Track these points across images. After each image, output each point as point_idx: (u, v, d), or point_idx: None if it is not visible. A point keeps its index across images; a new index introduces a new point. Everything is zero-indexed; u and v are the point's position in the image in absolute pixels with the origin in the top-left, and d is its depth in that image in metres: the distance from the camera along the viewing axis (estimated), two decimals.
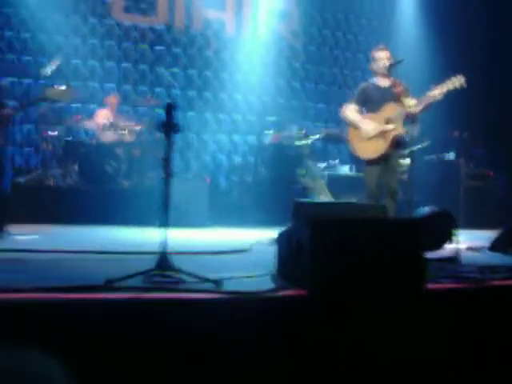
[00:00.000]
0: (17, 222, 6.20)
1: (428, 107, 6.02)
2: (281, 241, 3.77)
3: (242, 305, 3.17)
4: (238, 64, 10.75)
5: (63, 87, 6.37)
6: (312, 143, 8.73)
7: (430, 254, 3.86)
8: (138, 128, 8.96)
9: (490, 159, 10.75)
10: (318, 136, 8.83)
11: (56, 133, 8.81)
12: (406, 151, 6.40)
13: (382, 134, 6.10)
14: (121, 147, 8.71)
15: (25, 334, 2.93)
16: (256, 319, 3.08)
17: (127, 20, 10.50)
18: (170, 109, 3.33)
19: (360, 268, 3.23)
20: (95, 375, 2.83)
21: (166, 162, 3.31)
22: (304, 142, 8.49)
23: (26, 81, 9.81)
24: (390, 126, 6.08)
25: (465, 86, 5.85)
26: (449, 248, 4.84)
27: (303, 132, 9.01)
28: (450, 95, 5.99)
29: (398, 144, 6.16)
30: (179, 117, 3.38)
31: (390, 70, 6.16)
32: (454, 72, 6.00)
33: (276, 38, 11.22)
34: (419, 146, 8.67)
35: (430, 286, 3.47)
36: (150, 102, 9.52)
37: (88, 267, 4.24)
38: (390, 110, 6.10)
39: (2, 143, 6.08)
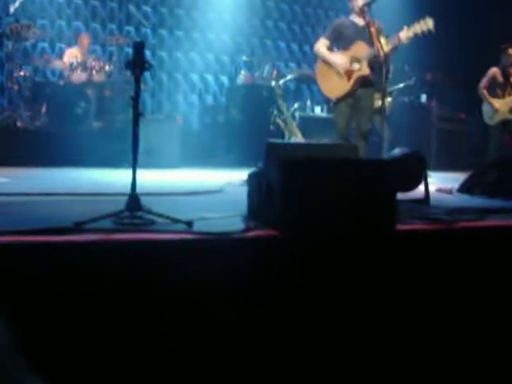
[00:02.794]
0: None
1: (395, 49, 5.97)
2: (252, 182, 3.76)
3: (213, 245, 3.17)
4: (211, 2, 10.50)
5: (28, 24, 6.18)
6: (284, 84, 8.64)
7: (400, 196, 3.87)
8: (107, 68, 8.76)
9: (466, 103, 10.76)
10: (290, 76, 8.74)
11: (23, 73, 8.58)
12: (388, 91, 6.37)
13: (347, 72, 6.07)
14: (90, 87, 8.53)
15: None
16: (227, 260, 3.08)
17: None
18: (139, 47, 3.24)
19: (331, 209, 3.23)
20: (65, 319, 2.82)
21: (135, 101, 3.23)
22: (276, 82, 8.40)
23: None
24: (356, 66, 6.06)
25: (433, 30, 5.77)
26: (419, 190, 4.88)
27: (276, 72, 8.90)
28: (428, 36, 5.91)
29: (362, 84, 6.12)
30: (149, 55, 3.28)
31: (366, 10, 6.06)
32: (427, 14, 5.92)
33: None
34: (403, 84, 8.64)
35: (401, 227, 3.49)
36: (120, 41, 9.29)
37: (57, 210, 4.19)
38: (359, 48, 6.06)
39: None
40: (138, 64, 3.24)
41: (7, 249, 3.12)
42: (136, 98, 3.24)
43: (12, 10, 8.19)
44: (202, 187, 5.33)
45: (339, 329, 3.22)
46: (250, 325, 3.07)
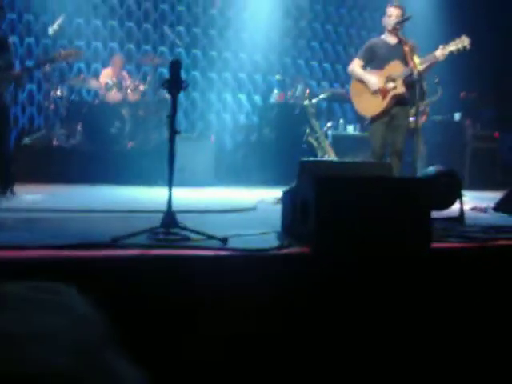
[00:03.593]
0: (21, 181, 6.21)
1: (430, 67, 5.99)
2: (286, 199, 3.78)
3: (247, 262, 3.19)
4: (244, 22, 10.61)
5: (73, 49, 6.32)
6: (317, 103, 8.67)
7: (435, 214, 3.85)
8: (141, 87, 8.90)
9: (498, 121, 10.66)
10: (323, 95, 8.76)
11: (59, 92, 8.76)
12: (417, 109, 6.36)
13: (382, 91, 6.09)
14: (125, 107, 8.66)
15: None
16: (262, 276, 3.10)
17: None
18: (175, 66, 3.29)
19: (364, 227, 3.23)
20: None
21: (172, 120, 3.29)
22: (309, 101, 8.43)
23: (28, 40, 9.73)
24: (391, 85, 6.07)
25: (468, 47, 5.77)
26: (454, 208, 4.84)
27: (308, 91, 8.94)
28: (460, 55, 5.92)
29: (397, 102, 6.14)
30: (184, 75, 3.34)
31: (398, 28, 6.09)
32: (463, 32, 5.92)
33: None
34: (430, 100, 8.60)
35: (435, 245, 3.47)
36: (154, 61, 9.44)
37: (93, 226, 4.25)
38: (393, 67, 6.08)
39: (10, 104, 6.04)
40: (174, 83, 3.29)
41: (45, 263, 3.18)
42: (172, 117, 3.29)
43: (51, 32, 8.39)
44: (235, 205, 5.36)
45: (372, 346, 3.21)
46: (283, 340, 3.08)
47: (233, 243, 3.37)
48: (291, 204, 3.58)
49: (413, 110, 6.19)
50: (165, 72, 9.80)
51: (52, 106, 8.71)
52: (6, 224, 4.57)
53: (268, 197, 5.77)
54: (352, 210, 3.22)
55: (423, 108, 8.31)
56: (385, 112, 6.13)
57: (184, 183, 6.22)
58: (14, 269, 3.16)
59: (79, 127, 8.58)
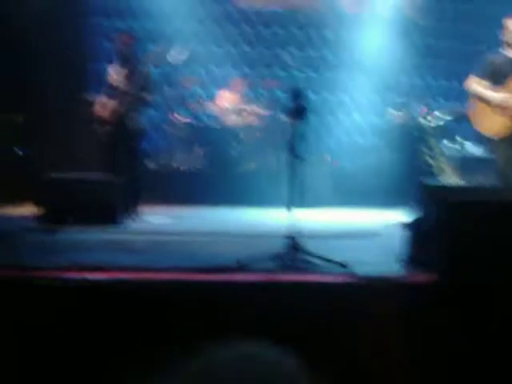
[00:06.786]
0: (145, 204, 6.48)
1: None
2: (410, 225, 3.72)
3: (373, 289, 3.18)
4: (358, 43, 10.58)
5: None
6: (435, 121, 8.49)
7: None
8: (260, 111, 9.07)
9: None
10: (444, 115, 8.57)
11: (180, 117, 9.09)
12: None
13: (507, 109, 5.83)
14: (243, 130, 8.86)
15: (162, 313, 3.10)
16: (387, 304, 3.07)
17: (245, 3, 10.59)
18: (296, 93, 3.36)
19: (494, 253, 3.13)
20: None
21: (292, 146, 3.35)
22: (427, 120, 8.27)
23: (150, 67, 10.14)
24: None
25: None
26: None
27: (426, 110, 8.77)
28: None
29: None
30: (306, 101, 3.39)
31: None
32: None
33: (398, 14, 10.92)
34: None
35: None
36: (271, 85, 9.58)
37: (219, 249, 4.38)
38: None
39: (141, 127, 6.33)
40: (296, 110, 3.36)
41: (172, 286, 3.31)
42: (294, 143, 3.35)
43: (171, 59, 8.76)
44: (357, 229, 5.34)
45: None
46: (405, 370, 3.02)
47: (357, 270, 3.37)
48: (416, 229, 3.54)
49: None
50: (281, 95, 9.93)
51: (173, 130, 9.06)
52: (136, 246, 4.81)
53: (390, 221, 5.70)
54: (480, 236, 3.14)
55: None
56: (510, 132, 5.87)
57: (304, 205, 6.26)
58: (143, 290, 3.33)
59: (200, 150, 8.85)
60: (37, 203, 5.55)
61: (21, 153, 5.52)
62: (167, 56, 8.73)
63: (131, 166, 6.14)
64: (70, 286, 3.15)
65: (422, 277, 3.22)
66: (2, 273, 3.28)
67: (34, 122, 6.62)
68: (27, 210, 5.84)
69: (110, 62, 6.68)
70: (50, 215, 5.34)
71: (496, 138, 5.98)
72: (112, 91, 6.21)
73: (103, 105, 6.17)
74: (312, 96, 10.32)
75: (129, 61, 6.25)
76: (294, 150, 3.50)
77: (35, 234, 4.92)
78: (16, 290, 3.10)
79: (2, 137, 6.51)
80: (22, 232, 4.95)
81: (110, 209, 5.55)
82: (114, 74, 6.29)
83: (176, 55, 8.59)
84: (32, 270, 3.33)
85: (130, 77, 6.16)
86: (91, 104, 6.39)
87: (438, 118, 8.41)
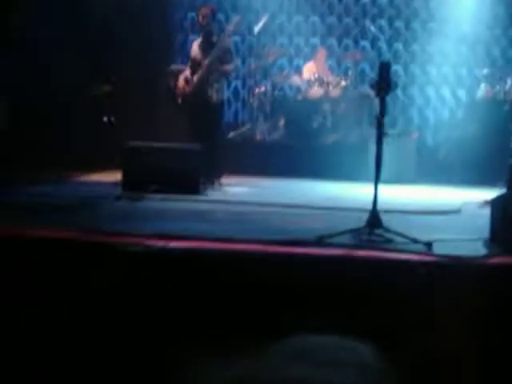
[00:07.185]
0: (226, 174, 6.55)
1: None
2: (496, 206, 3.60)
3: (453, 269, 3.11)
4: (448, 13, 10.21)
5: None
6: None
7: None
8: (343, 83, 8.94)
9: None
10: None
11: (263, 88, 9.08)
12: None
13: None
14: (326, 102, 8.76)
15: (238, 284, 3.13)
16: (468, 286, 2.99)
17: None
18: (384, 67, 3.29)
19: None
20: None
21: (379, 121, 3.29)
22: None
23: (234, 38, 10.15)
24: None
25: None
26: None
27: None
28: None
29: None
30: (394, 75, 3.31)
31: None
32: None
33: None
34: None
35: None
36: (355, 56, 9.41)
37: (298, 222, 4.39)
38: None
39: (221, 98, 6.40)
40: (383, 85, 3.29)
41: (252, 257, 3.34)
42: (381, 118, 3.29)
43: (256, 30, 8.73)
44: (439, 206, 5.22)
45: None
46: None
47: (437, 248, 3.30)
48: (502, 211, 3.42)
49: None
50: (366, 67, 9.75)
51: (256, 102, 9.07)
52: (216, 216, 4.88)
53: (472, 198, 5.54)
54: None
55: None
56: None
57: (385, 180, 6.14)
58: (221, 260, 3.37)
59: (282, 122, 8.83)
60: (120, 171, 5.70)
61: (106, 120, 5.68)
62: (253, 26, 8.74)
63: (212, 136, 6.21)
64: (150, 252, 3.23)
65: (505, 259, 3.12)
66: (86, 237, 3.41)
67: (120, 92, 6.78)
68: (112, 177, 6.02)
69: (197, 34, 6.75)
70: (132, 183, 5.48)
71: None
72: (193, 64, 6.28)
73: (185, 77, 6.26)
74: (398, 69, 10.09)
75: (208, 33, 6.27)
76: (381, 125, 3.43)
77: (118, 200, 5.08)
78: (98, 255, 3.21)
79: (92, 105, 6.71)
80: (105, 198, 5.11)
81: (191, 178, 5.65)
82: (196, 46, 6.35)
83: (259, 25, 8.59)
84: (114, 235, 3.43)
85: (209, 49, 6.19)
86: (175, 75, 6.49)
87: None
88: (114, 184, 5.65)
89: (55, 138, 7.33)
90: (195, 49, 6.34)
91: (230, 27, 6.48)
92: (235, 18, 6.93)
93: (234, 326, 2.99)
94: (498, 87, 8.74)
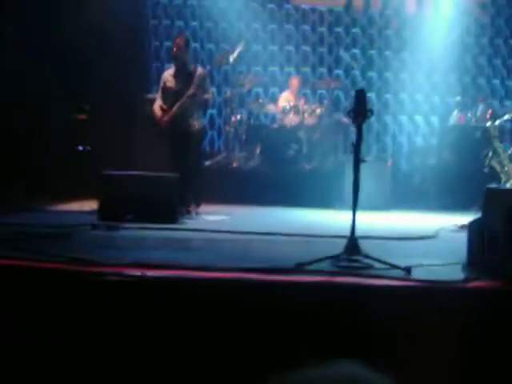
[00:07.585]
0: (204, 203, 6.51)
1: None
2: (472, 229, 3.63)
3: (432, 294, 3.12)
4: (420, 43, 10.39)
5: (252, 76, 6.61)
6: (500, 124, 8.26)
7: None
8: (318, 111, 9.02)
9: None
10: (507, 116, 8.32)
11: (239, 117, 9.12)
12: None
13: None
14: (302, 130, 8.82)
15: (216, 312, 3.10)
16: (447, 309, 3.00)
17: (305, 3, 10.54)
18: (360, 95, 3.32)
19: None
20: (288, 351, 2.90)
21: (356, 148, 3.31)
22: (491, 122, 8.06)
23: (208, 67, 10.21)
24: None
25: None
26: None
27: (490, 112, 8.54)
28: None
29: None
30: (369, 103, 3.35)
31: None
32: None
33: (461, 12, 10.67)
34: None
35: None
36: (330, 84, 9.52)
37: (276, 249, 4.37)
38: None
39: (202, 126, 6.41)
40: (359, 112, 3.32)
41: (231, 285, 3.32)
42: (357, 145, 3.31)
43: (231, 59, 8.80)
44: (415, 232, 5.24)
45: None
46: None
47: (416, 273, 3.31)
48: (478, 234, 3.44)
49: None
50: (341, 95, 9.85)
51: (232, 130, 9.10)
52: (193, 244, 4.84)
53: (448, 224, 5.58)
54: None
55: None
56: None
57: (360, 207, 6.17)
58: (199, 289, 3.34)
59: (258, 150, 8.86)
60: (96, 199, 5.65)
61: (81, 149, 5.64)
62: (230, 57, 8.81)
63: (190, 164, 6.19)
64: (127, 282, 3.18)
65: (483, 283, 3.14)
66: (61, 267, 3.35)
67: (95, 121, 6.76)
68: (88, 205, 5.96)
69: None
70: (108, 212, 5.43)
71: None
72: (165, 92, 6.26)
73: (159, 105, 6.24)
74: (372, 97, 10.21)
75: (183, 62, 6.28)
76: (358, 151, 3.46)
77: (94, 229, 5.01)
78: (76, 285, 3.16)
79: (67, 134, 6.68)
80: (81, 227, 5.04)
81: (167, 206, 5.61)
82: (168, 75, 6.34)
83: (234, 53, 8.66)
84: (90, 264, 3.38)
85: (184, 78, 6.18)
86: (151, 103, 6.48)
87: (502, 119, 8.17)
88: (90, 213, 5.59)
89: (29, 165, 7.25)
90: (168, 78, 6.32)
91: (218, 60, 6.51)
92: (224, 52, 6.96)
93: (211, 356, 2.96)
94: (469, 114, 8.90)
